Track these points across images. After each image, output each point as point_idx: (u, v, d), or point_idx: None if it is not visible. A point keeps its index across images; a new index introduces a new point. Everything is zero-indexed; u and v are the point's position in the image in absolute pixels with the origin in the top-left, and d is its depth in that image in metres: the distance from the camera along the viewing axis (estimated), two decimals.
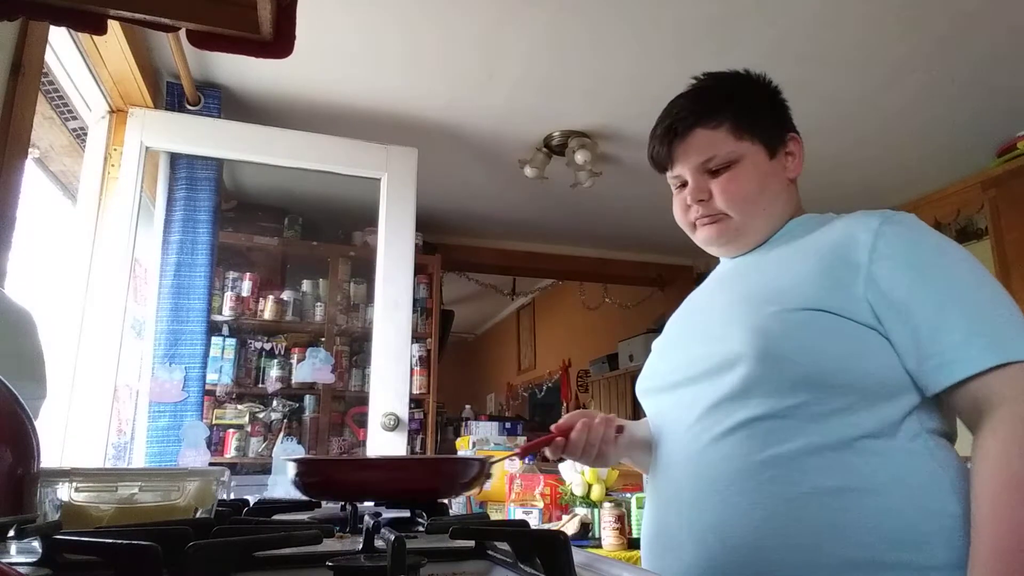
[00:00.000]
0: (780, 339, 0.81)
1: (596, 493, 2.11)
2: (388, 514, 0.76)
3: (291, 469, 0.79)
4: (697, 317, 1.00)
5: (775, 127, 0.98)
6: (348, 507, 0.82)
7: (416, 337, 3.21)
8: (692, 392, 0.89)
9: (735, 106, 0.96)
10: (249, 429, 2.79)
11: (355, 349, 3.09)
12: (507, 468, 2.37)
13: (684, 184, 0.99)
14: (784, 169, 0.98)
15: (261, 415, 2.85)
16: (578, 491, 2.13)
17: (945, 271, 0.82)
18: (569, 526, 2.07)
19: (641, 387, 1.03)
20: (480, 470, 0.83)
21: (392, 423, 2.36)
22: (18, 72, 1.32)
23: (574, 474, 2.17)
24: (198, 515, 0.72)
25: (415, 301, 3.07)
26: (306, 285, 3.14)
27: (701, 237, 0.99)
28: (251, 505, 0.87)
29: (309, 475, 0.79)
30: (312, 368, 2.83)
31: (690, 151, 0.96)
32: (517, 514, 2.15)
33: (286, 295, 3.04)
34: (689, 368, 0.91)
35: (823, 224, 0.93)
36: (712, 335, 0.90)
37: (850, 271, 0.82)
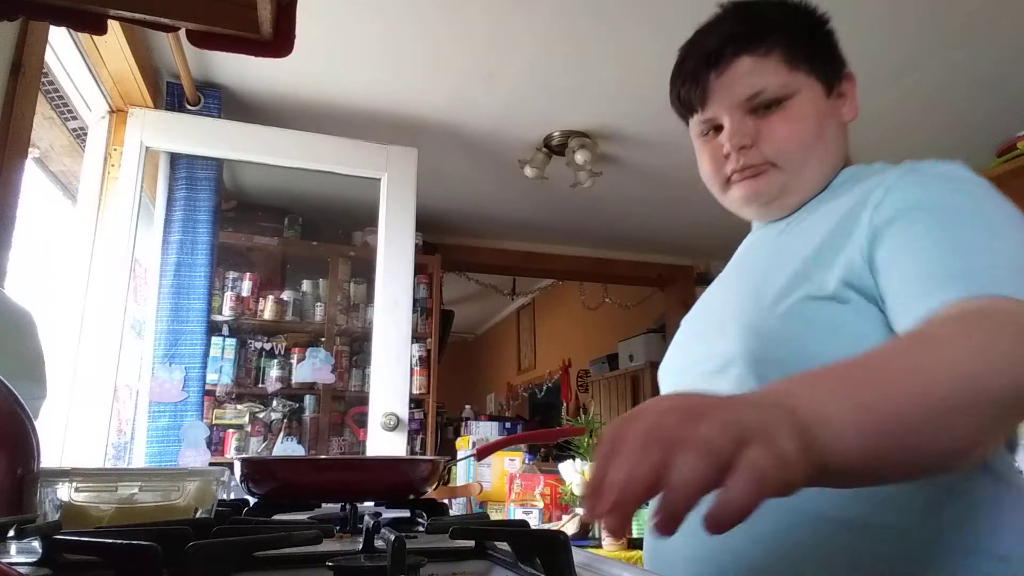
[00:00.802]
0: (775, 341, 0.69)
1: None
2: (388, 514, 0.76)
3: (238, 469, 0.80)
4: (706, 304, 0.87)
5: (831, 59, 0.81)
6: (348, 507, 0.82)
7: (416, 337, 3.21)
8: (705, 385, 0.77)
9: (787, 30, 0.78)
10: (249, 429, 2.79)
11: (355, 349, 3.09)
12: (507, 468, 2.37)
13: (717, 128, 0.81)
14: (839, 112, 0.81)
15: (261, 415, 2.85)
16: (578, 491, 2.13)
17: (960, 214, 0.65)
18: (569, 526, 2.07)
19: (659, 378, 0.90)
20: (431, 471, 0.84)
21: (392, 423, 2.36)
22: (18, 72, 1.32)
23: (574, 474, 2.16)
24: (198, 515, 0.72)
25: (415, 301, 3.07)
26: (306, 285, 3.14)
27: (737, 195, 0.81)
28: (251, 505, 0.87)
29: (256, 475, 0.80)
30: (312, 368, 2.83)
31: (733, 84, 0.78)
32: (517, 514, 2.15)
33: (286, 295, 3.04)
34: (692, 368, 0.80)
35: (862, 180, 0.74)
36: (711, 330, 0.80)
37: (849, 239, 0.68)
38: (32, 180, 2.01)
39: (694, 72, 0.81)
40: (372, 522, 0.60)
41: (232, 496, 0.93)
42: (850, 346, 0.61)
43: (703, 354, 0.78)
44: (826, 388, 0.45)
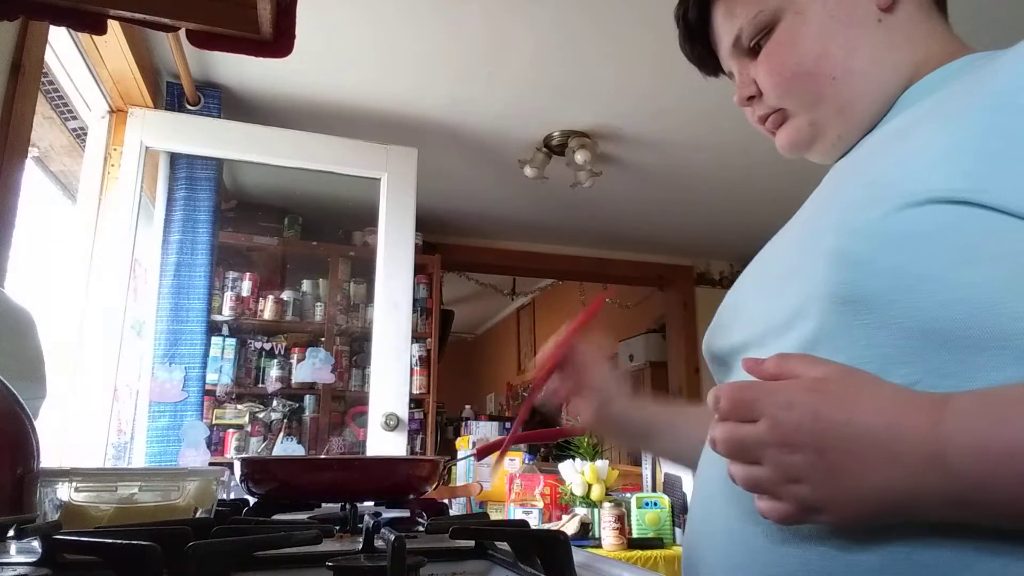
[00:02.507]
0: (871, 265, 0.48)
1: (596, 493, 2.11)
2: (388, 514, 0.76)
3: (238, 469, 0.80)
4: (770, 248, 0.66)
5: None
6: (348, 507, 0.82)
7: (416, 337, 3.21)
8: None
9: None
10: (249, 429, 2.79)
11: (355, 349, 3.09)
12: (507, 468, 2.37)
13: None
14: (863, 3, 0.61)
15: (261, 415, 2.85)
16: (578, 491, 2.13)
17: None
18: (569, 526, 2.07)
19: (703, 349, 0.72)
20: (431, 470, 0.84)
21: (392, 423, 2.36)
22: (18, 72, 1.32)
23: (574, 474, 2.17)
24: (198, 515, 0.72)
25: (415, 301, 3.07)
26: (306, 285, 3.14)
27: (779, 146, 0.70)
28: (251, 505, 0.87)
29: (256, 475, 0.80)
30: (312, 368, 2.83)
31: (720, 37, 0.69)
32: (517, 514, 2.15)
33: (286, 295, 3.04)
34: (749, 325, 0.61)
35: (977, 70, 0.54)
36: (774, 272, 0.61)
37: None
38: (32, 180, 2.01)
39: (685, 33, 0.74)
40: (372, 522, 0.60)
41: (232, 496, 0.93)
42: (1008, 263, 0.44)
43: (764, 305, 0.60)
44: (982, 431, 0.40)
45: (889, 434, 0.42)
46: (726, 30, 0.68)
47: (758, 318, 0.60)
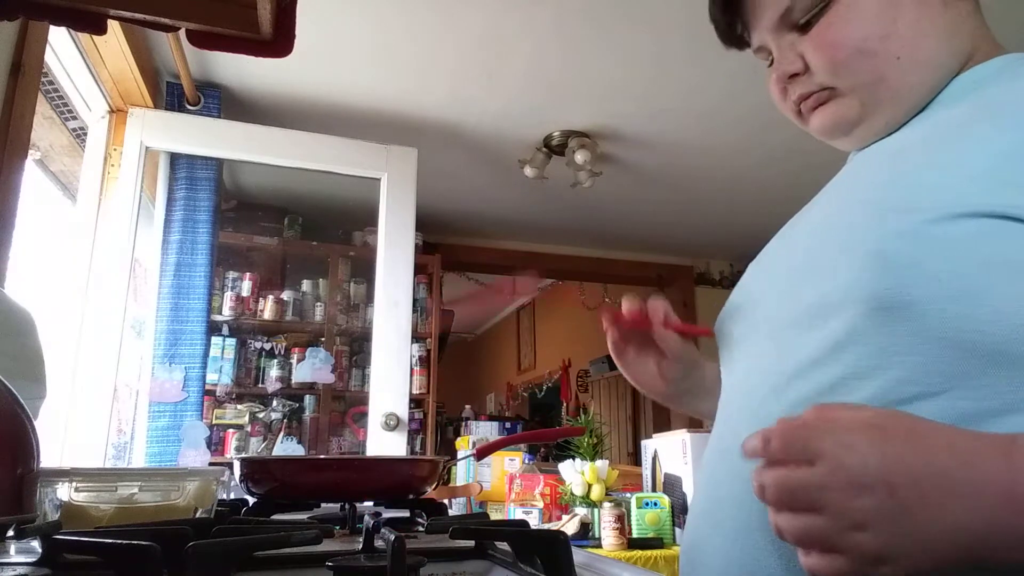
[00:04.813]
0: (915, 273, 0.47)
1: (596, 493, 2.11)
2: (388, 514, 0.76)
3: (238, 469, 0.80)
4: (790, 231, 0.66)
5: None
6: (348, 507, 0.82)
7: (416, 337, 3.21)
8: (764, 355, 0.59)
9: None
10: (249, 429, 2.79)
11: (355, 349, 3.09)
12: (507, 468, 2.37)
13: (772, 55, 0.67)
14: None
15: (261, 415, 2.85)
16: (578, 491, 2.13)
17: None
18: (569, 526, 2.07)
19: (715, 329, 0.71)
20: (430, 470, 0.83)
21: (392, 423, 2.36)
22: (18, 72, 1.32)
23: (574, 474, 2.16)
24: (198, 515, 0.72)
25: (415, 301, 3.07)
26: (306, 285, 3.14)
27: (813, 129, 0.65)
28: (250, 505, 0.87)
29: (256, 475, 0.80)
30: (312, 368, 2.84)
31: (762, 3, 0.64)
32: (517, 514, 2.15)
33: (286, 295, 3.04)
34: (764, 314, 0.61)
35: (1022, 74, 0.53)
36: (800, 263, 0.59)
37: None
38: (32, 180, 2.01)
39: (722, 11, 0.68)
40: (372, 522, 0.60)
41: (232, 496, 0.93)
42: None
43: (784, 293, 0.60)
44: None
45: (965, 473, 0.39)
46: (772, 2, 0.63)
47: (773, 310, 0.60)
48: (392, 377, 2.42)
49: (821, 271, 0.55)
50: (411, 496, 0.86)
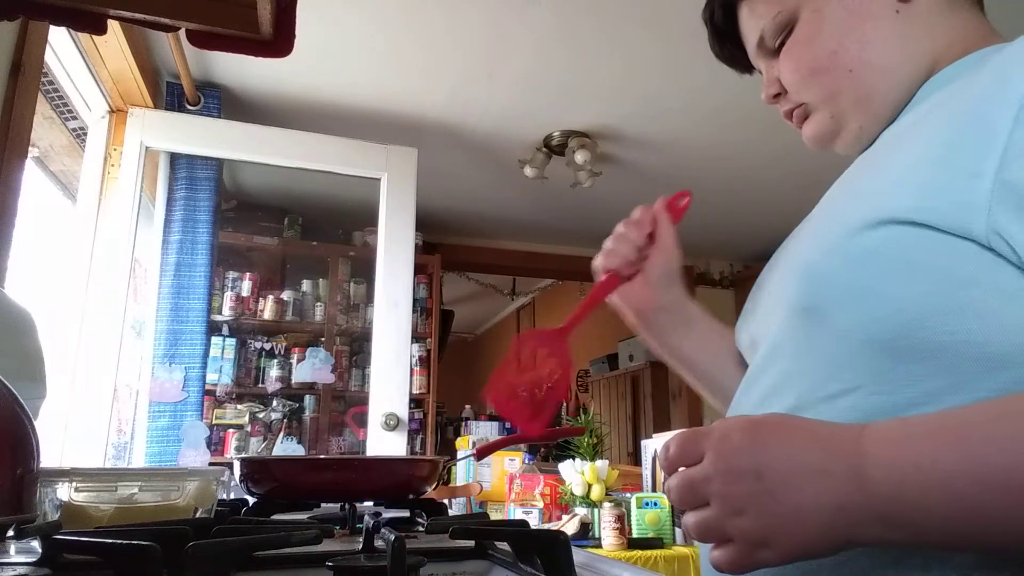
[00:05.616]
0: (822, 281, 0.53)
1: (596, 493, 2.11)
2: (388, 514, 0.76)
3: (238, 469, 0.80)
4: (790, 240, 0.70)
5: None
6: (348, 507, 0.82)
7: (416, 337, 3.21)
8: (753, 366, 0.63)
9: None
10: (249, 429, 2.79)
11: (355, 349, 3.09)
12: (507, 468, 2.37)
13: None
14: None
15: (261, 415, 2.85)
16: (578, 491, 2.13)
17: None
18: (569, 526, 2.07)
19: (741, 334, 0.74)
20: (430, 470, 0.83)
21: (392, 423, 2.36)
22: (18, 72, 1.32)
23: (574, 474, 2.16)
24: (198, 515, 0.72)
25: (415, 301, 3.07)
26: (306, 285, 3.14)
27: (806, 140, 0.70)
28: (250, 505, 0.87)
29: (256, 475, 0.80)
30: (312, 368, 2.84)
31: (746, 32, 0.70)
32: (517, 514, 2.15)
33: (286, 295, 3.04)
34: (756, 324, 0.66)
35: (983, 64, 0.52)
36: (772, 276, 0.66)
37: (979, 145, 0.46)
38: (32, 180, 2.01)
39: (718, 44, 0.75)
40: (372, 522, 0.60)
41: (232, 496, 0.93)
42: (940, 280, 0.47)
43: (764, 304, 0.65)
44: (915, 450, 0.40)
45: (818, 455, 0.42)
46: (751, 30, 0.69)
47: (761, 317, 0.65)
48: (392, 377, 2.42)
49: (774, 282, 0.62)
50: (411, 496, 0.86)
